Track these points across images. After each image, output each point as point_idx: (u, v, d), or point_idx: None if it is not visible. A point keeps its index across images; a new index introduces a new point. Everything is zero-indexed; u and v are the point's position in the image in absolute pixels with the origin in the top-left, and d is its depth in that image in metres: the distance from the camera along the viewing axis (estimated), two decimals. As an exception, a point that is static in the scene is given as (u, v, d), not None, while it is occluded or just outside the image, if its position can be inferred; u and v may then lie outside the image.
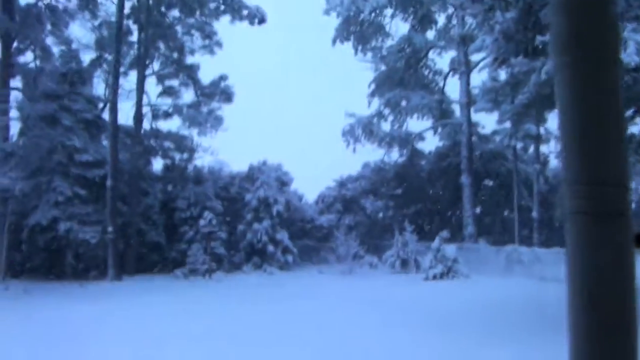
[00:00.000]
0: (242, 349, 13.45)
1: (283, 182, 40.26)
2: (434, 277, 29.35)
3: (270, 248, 35.85)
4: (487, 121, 42.51)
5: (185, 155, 39.50)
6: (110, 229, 32.18)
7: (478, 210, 40.27)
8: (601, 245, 1.83)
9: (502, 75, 24.54)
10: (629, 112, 19.37)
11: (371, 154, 44.57)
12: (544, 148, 43.61)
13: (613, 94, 1.92)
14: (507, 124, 36.31)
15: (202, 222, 34.26)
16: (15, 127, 33.97)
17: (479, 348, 13.07)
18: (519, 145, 42.98)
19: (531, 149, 43.44)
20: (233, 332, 15.76)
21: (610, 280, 1.83)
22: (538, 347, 12.57)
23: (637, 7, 15.59)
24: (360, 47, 41.54)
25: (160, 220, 36.30)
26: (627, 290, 1.81)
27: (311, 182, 45.43)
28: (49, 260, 32.98)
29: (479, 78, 39.05)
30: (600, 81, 1.97)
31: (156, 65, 39.57)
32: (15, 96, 34.20)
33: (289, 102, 69.91)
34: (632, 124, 20.47)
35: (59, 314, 20.00)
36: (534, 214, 39.15)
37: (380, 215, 44.25)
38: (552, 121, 36.61)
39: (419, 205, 44.14)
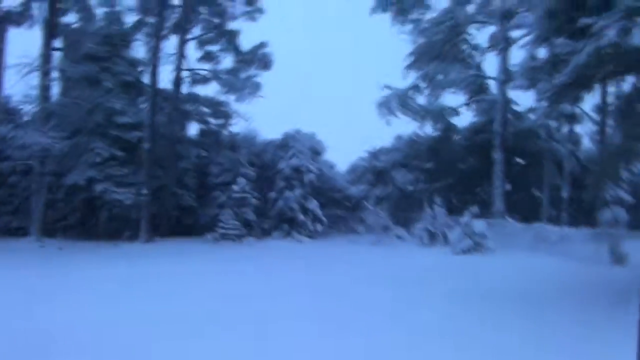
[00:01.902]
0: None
1: (316, 151, 40.54)
2: (462, 251, 29.67)
3: (301, 216, 36.31)
4: (523, 99, 42.49)
5: (221, 121, 39.85)
6: (144, 191, 32.82)
7: (508, 187, 40.31)
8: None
9: (541, 53, 24.50)
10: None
11: (405, 126, 44.62)
12: (577, 128, 43.53)
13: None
14: (543, 103, 36.25)
15: (234, 187, 34.74)
16: (56, 88, 34.54)
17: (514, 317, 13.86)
18: (553, 124, 42.92)
19: (565, 129, 43.32)
20: (278, 291, 16.59)
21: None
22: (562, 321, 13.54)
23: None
24: (399, 19, 41.52)
25: (193, 185, 36.85)
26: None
27: (344, 152, 45.72)
28: (84, 219, 33.73)
29: (516, 55, 39.00)
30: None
31: (197, 30, 39.85)
32: (57, 57, 34.69)
33: (326, 72, 69.92)
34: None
35: (95, 272, 20.70)
36: (564, 193, 39.26)
37: (411, 188, 44.46)
38: (588, 102, 36.53)
39: (450, 180, 44.28)
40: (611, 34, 15.60)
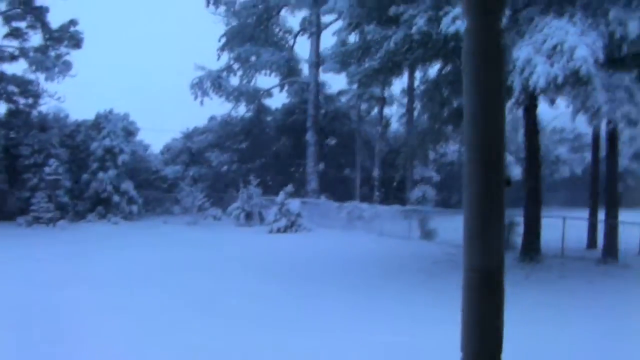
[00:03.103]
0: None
1: (129, 132, 39.59)
2: (278, 230, 30.18)
3: (115, 198, 35.39)
4: (335, 82, 43.74)
5: (30, 101, 37.78)
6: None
7: (321, 167, 41.41)
8: (484, 186, 2.55)
9: (352, 38, 25.36)
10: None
11: (219, 107, 44.58)
12: (387, 110, 45.46)
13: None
14: (354, 86, 37.58)
15: (46, 169, 33.23)
16: None
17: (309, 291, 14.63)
18: (364, 106, 44.61)
19: (375, 111, 45.12)
20: (87, 277, 16.09)
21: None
22: (367, 293, 14.55)
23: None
24: (213, 0, 41.39)
25: (2, 167, 34.80)
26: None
27: (158, 133, 44.95)
28: None
29: (328, 39, 40.06)
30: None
31: (2, 5, 37.36)
32: None
33: (139, 52, 68.21)
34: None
35: None
36: (375, 173, 41.00)
37: (225, 168, 44.55)
38: (397, 85, 38.29)
39: (264, 160, 44.91)
40: (420, 22, 16.48)
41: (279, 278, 16.85)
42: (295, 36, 44.86)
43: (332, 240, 26.32)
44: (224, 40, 43.03)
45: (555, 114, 32.77)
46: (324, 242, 25.93)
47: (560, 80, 15.00)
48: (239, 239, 27.27)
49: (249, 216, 34.22)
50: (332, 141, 45.82)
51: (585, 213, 25.70)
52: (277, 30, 44.60)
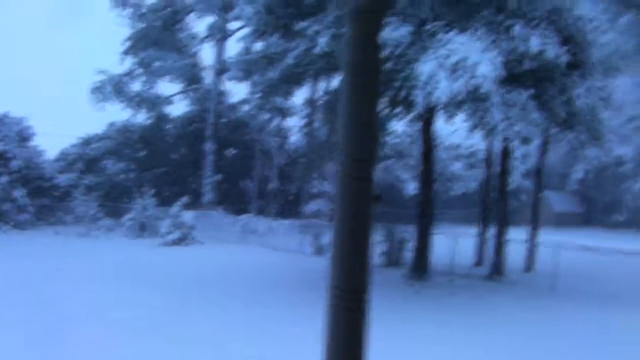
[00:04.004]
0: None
1: (24, 137, 37.96)
2: (172, 243, 29.61)
3: (5, 206, 33.86)
4: (237, 91, 43.45)
5: None
6: None
7: (219, 178, 40.98)
8: (354, 202, 2.43)
9: (258, 46, 25.30)
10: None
11: (119, 113, 43.45)
12: (288, 122, 45.38)
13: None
14: (256, 96, 37.37)
15: None
16: None
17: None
18: (265, 117, 44.42)
19: (276, 122, 45.01)
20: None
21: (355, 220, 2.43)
22: (241, 308, 14.50)
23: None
24: (119, 2, 40.39)
25: None
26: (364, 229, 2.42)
27: (57, 139, 43.31)
28: None
29: (234, 47, 39.74)
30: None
31: None
32: None
33: (36, 54, 65.98)
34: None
35: None
36: (272, 185, 40.91)
37: (122, 177, 43.39)
38: (299, 97, 38.26)
39: (162, 170, 43.97)
40: (322, 40, 16.49)
41: (158, 289, 16.57)
42: (201, 42, 44.28)
43: (222, 255, 25.92)
44: (128, 44, 42.04)
45: (451, 129, 33.54)
46: (212, 256, 25.48)
47: (462, 96, 15.32)
48: (126, 252, 26.41)
49: (142, 227, 33.41)
50: (231, 151, 45.39)
51: (476, 230, 26.34)
52: (182, 35, 43.95)
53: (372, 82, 2.58)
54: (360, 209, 2.46)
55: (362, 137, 2.59)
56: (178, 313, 13.49)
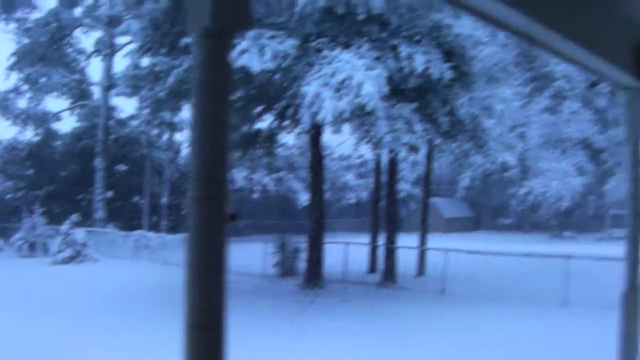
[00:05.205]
0: None
1: None
2: (62, 261, 28.87)
3: None
4: (126, 106, 42.70)
5: None
6: None
7: (109, 194, 40.20)
8: (205, 222, 2.53)
9: (145, 61, 25.00)
10: (258, 109, 21.18)
11: (4, 131, 42.04)
12: (177, 136, 45.00)
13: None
14: (145, 111, 36.82)
15: None
16: None
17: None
18: (154, 132, 43.90)
19: (165, 137, 44.57)
20: None
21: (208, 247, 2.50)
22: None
23: (276, 15, 17.11)
24: (3, 16, 39.02)
25: None
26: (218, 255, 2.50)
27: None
28: None
29: (122, 62, 39.05)
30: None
31: None
32: None
33: None
34: (260, 120, 22.44)
35: None
36: (164, 200, 40.41)
37: (10, 196, 41.97)
38: (187, 111, 37.90)
39: (51, 187, 42.80)
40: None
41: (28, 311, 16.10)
42: (89, 57, 43.37)
43: (111, 271, 25.52)
44: (13, 59, 40.70)
45: (340, 140, 33.95)
46: (108, 273, 25.03)
47: (347, 114, 15.62)
48: (18, 271, 25.59)
49: (32, 247, 32.45)
50: (122, 167, 44.61)
51: (369, 238, 26.80)
52: (69, 50, 42.89)
53: (223, 103, 2.65)
54: (213, 228, 2.54)
55: (212, 158, 2.67)
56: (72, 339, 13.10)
